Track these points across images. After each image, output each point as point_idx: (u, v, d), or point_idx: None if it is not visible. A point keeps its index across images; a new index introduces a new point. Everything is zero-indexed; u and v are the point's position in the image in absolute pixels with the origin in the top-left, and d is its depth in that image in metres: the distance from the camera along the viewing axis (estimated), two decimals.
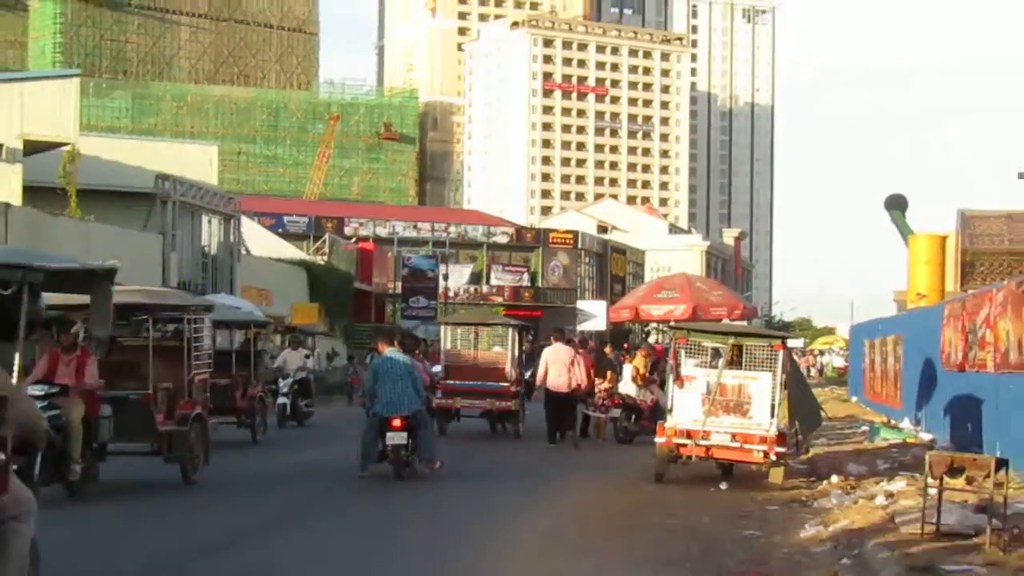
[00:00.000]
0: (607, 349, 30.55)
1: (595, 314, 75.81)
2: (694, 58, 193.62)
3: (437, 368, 29.31)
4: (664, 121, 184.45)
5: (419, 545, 13.55)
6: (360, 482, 18.53)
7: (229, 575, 11.74)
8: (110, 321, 13.11)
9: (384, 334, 23.90)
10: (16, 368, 7.38)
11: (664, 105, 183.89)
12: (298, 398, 33.36)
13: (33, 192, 37.44)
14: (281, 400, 32.92)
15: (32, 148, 38.08)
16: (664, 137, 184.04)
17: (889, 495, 16.12)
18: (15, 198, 35.50)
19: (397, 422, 18.77)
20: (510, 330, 30.28)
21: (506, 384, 27.66)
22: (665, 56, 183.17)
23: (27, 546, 6.56)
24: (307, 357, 36.15)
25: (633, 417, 25.68)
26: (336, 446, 24.17)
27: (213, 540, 13.15)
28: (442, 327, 33.74)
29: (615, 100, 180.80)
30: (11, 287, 7.86)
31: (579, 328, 64.33)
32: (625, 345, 33.28)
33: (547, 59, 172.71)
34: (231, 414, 25.38)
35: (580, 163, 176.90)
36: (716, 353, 19.79)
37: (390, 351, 19.85)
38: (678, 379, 19.46)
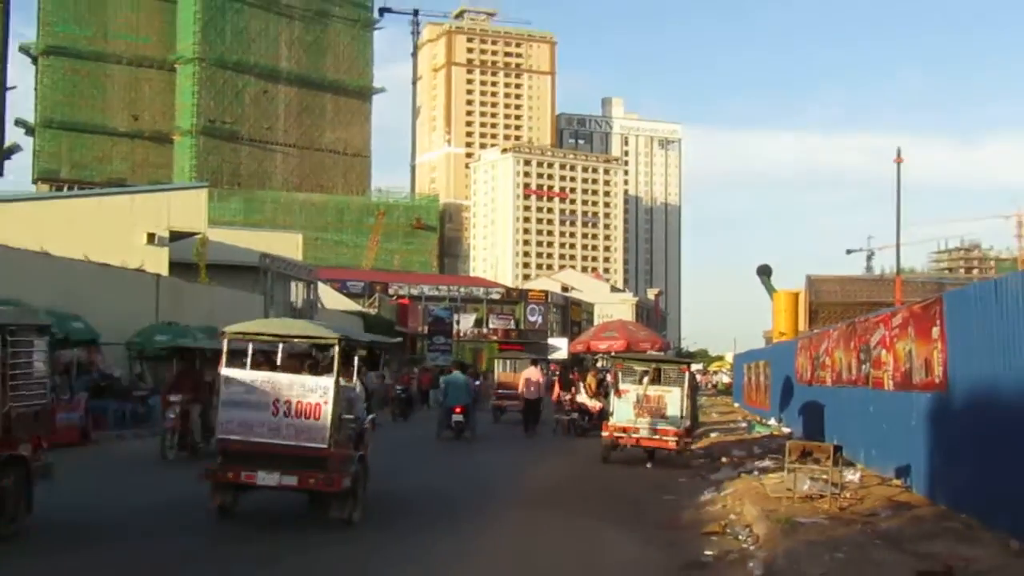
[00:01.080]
0: (573, 374, 33.06)
1: (560, 347, 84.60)
2: (626, 173, 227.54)
3: (477, 382, 36.61)
4: (606, 215, 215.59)
5: (467, 465, 20.52)
6: (440, 443, 26.21)
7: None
8: None
9: (455, 364, 33.00)
10: None
11: (606, 204, 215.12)
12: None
13: (176, 267, 40.19)
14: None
15: (175, 236, 40.95)
16: (606, 226, 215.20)
17: (762, 471, 17.78)
18: (164, 271, 38.30)
19: (458, 409, 26.95)
20: (534, 361, 37.91)
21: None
22: (606, 171, 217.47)
23: None
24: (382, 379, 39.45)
25: (587, 418, 27.67)
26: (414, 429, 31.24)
27: None
28: (496, 360, 45.26)
29: (572, 201, 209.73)
30: None
31: (549, 357, 71.46)
32: (575, 371, 35.20)
33: (526, 173, 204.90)
34: None
35: (549, 244, 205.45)
36: (643, 374, 21.83)
37: (456, 372, 28.38)
38: (617, 392, 21.57)
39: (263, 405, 12.31)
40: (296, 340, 13.53)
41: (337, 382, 12.07)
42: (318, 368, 13.27)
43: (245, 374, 12.62)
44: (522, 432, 29.39)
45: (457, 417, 26.68)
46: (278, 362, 13.10)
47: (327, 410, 12.05)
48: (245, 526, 12.23)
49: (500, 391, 37.22)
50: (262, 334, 13.19)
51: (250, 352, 12.86)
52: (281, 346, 13.21)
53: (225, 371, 12.62)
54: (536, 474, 19.77)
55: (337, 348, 12.22)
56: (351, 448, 12.98)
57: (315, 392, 12.22)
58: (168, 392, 20.51)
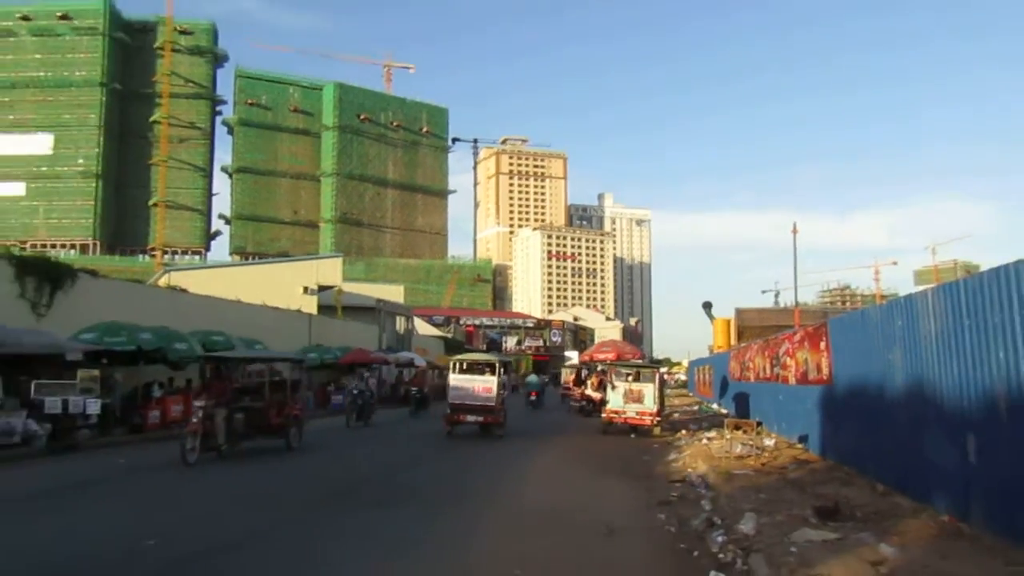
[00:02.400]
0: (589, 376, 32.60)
1: (572, 358, 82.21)
2: (614, 242, 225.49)
3: (546, 379, 40.69)
4: (601, 270, 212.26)
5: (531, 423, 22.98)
6: (526, 410, 29.79)
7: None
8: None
9: (535, 369, 36.02)
10: None
11: (601, 263, 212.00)
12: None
13: (321, 309, 40.54)
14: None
15: (321, 288, 41.51)
16: (602, 277, 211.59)
17: (708, 439, 17.40)
18: (314, 311, 38.64)
19: (533, 394, 30.88)
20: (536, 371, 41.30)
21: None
22: (601, 241, 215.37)
23: None
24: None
25: (591, 405, 27.24)
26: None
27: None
28: (563, 369, 46.00)
29: (579, 261, 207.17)
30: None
31: (565, 365, 71.85)
32: (585, 373, 34.57)
33: (549, 243, 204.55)
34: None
35: (564, 289, 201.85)
36: (628, 375, 21.75)
37: (532, 375, 32.88)
38: (612, 387, 21.37)
39: (468, 388, 19.82)
40: (481, 360, 21.26)
41: (499, 377, 19.85)
42: (492, 371, 20.03)
43: (459, 377, 20.02)
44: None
45: (532, 398, 32.62)
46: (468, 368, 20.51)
47: (495, 389, 19.65)
48: (460, 439, 18.82)
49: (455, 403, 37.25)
50: (466, 359, 21.21)
51: (463, 366, 20.50)
52: (472, 363, 20.90)
53: (452, 377, 20.26)
54: (560, 439, 19.81)
55: (497, 364, 20.37)
56: (503, 405, 20.08)
57: (488, 382, 19.80)
58: (195, 397, 15.56)
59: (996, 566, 5.91)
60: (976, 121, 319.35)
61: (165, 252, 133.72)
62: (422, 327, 64.71)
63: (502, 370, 20.65)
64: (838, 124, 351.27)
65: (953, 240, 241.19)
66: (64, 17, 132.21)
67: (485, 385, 19.55)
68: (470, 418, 19.53)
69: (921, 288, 9.62)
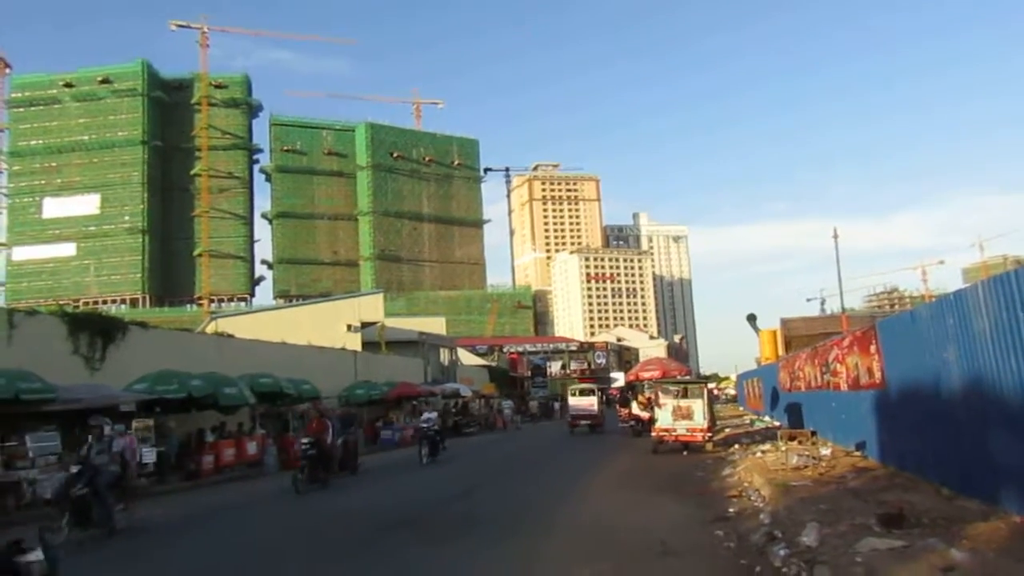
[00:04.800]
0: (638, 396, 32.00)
1: (618, 379, 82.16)
2: (652, 260, 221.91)
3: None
4: (642, 289, 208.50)
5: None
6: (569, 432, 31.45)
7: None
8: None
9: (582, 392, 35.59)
10: None
11: (641, 282, 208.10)
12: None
13: (366, 345, 40.80)
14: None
15: (364, 325, 41.78)
16: (642, 296, 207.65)
17: (763, 452, 17.05)
18: (358, 348, 38.79)
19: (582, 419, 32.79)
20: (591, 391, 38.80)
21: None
22: (639, 261, 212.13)
23: None
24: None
25: (640, 424, 26.77)
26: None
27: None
28: (569, 390, 44.87)
29: (618, 281, 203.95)
30: None
31: (612, 386, 70.14)
32: (631, 393, 34.06)
33: (587, 266, 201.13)
34: None
35: (605, 310, 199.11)
36: (676, 392, 21.50)
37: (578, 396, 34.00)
38: (659, 405, 21.21)
39: (581, 404, 31.08)
40: (587, 387, 31.02)
41: (598, 396, 31.06)
42: (594, 393, 30.12)
43: (575, 398, 31.34)
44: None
45: (583, 423, 32.23)
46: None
47: (596, 404, 30.84)
48: (578, 438, 25.91)
49: (573, 414, 33.41)
50: (578, 387, 31.91)
51: (578, 391, 31.66)
52: (583, 389, 32.03)
53: (571, 399, 31.32)
54: (611, 461, 19.51)
55: (596, 388, 31.47)
56: (603, 414, 28.96)
57: (593, 399, 31.28)
58: (303, 435, 17.28)
59: None
60: (1008, 109, 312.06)
61: (212, 300, 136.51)
62: (466, 357, 64.68)
63: (600, 392, 33.32)
64: (864, 123, 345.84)
65: (1000, 235, 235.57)
66: (104, 81, 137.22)
67: (590, 401, 31.93)
68: (583, 423, 31.04)
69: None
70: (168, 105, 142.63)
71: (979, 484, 8.41)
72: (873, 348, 12.68)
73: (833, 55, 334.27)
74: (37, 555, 4.98)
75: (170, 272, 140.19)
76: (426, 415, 22.89)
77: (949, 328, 8.96)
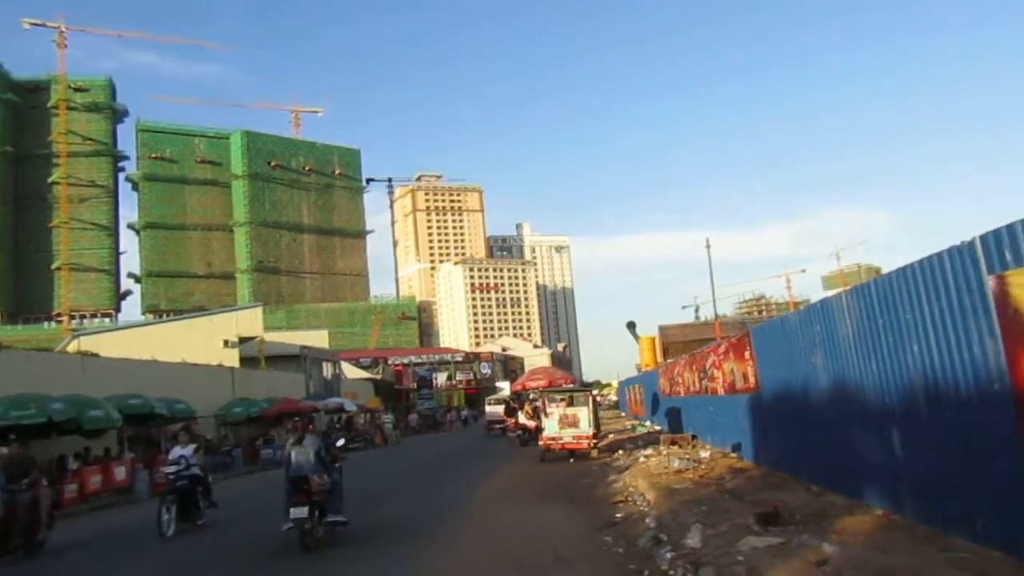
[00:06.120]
0: (516, 404, 32.48)
1: (504, 388, 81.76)
2: (536, 270, 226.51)
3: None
4: (525, 299, 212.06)
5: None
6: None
7: None
8: None
9: (468, 402, 35.75)
10: None
11: (524, 292, 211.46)
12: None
13: (244, 360, 39.51)
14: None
15: (242, 340, 40.39)
16: (526, 306, 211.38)
17: (646, 457, 17.24)
18: (236, 364, 37.55)
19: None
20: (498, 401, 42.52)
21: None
22: (523, 270, 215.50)
23: None
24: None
25: (528, 433, 26.63)
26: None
27: None
28: (486, 401, 47.56)
29: (502, 291, 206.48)
30: None
31: (497, 395, 71.59)
32: (517, 403, 33.94)
33: (471, 276, 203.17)
34: None
35: (489, 320, 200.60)
36: (561, 400, 21.58)
37: (465, 410, 33.42)
38: (546, 414, 21.22)
39: (496, 412, 31.79)
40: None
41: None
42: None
43: (492, 407, 38.16)
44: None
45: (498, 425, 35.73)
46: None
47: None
48: (462, 450, 24.47)
49: (489, 419, 40.19)
50: (492, 398, 35.74)
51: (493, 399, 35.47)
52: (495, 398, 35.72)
53: (487, 407, 36.09)
54: (500, 472, 19.29)
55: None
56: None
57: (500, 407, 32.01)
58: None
59: (931, 553, 6.04)
60: (872, 127, 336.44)
61: (72, 317, 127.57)
62: (350, 371, 63.34)
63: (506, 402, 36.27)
64: (735, 139, 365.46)
65: (853, 246, 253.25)
66: None
67: (501, 410, 35.37)
68: (496, 427, 36.06)
69: (830, 292, 9.95)
70: (22, 108, 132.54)
71: (846, 481, 8.90)
72: (748, 354, 13.16)
73: (706, 77, 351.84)
74: None
75: (25, 287, 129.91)
76: (176, 452, 13.37)
77: (816, 334, 9.48)
